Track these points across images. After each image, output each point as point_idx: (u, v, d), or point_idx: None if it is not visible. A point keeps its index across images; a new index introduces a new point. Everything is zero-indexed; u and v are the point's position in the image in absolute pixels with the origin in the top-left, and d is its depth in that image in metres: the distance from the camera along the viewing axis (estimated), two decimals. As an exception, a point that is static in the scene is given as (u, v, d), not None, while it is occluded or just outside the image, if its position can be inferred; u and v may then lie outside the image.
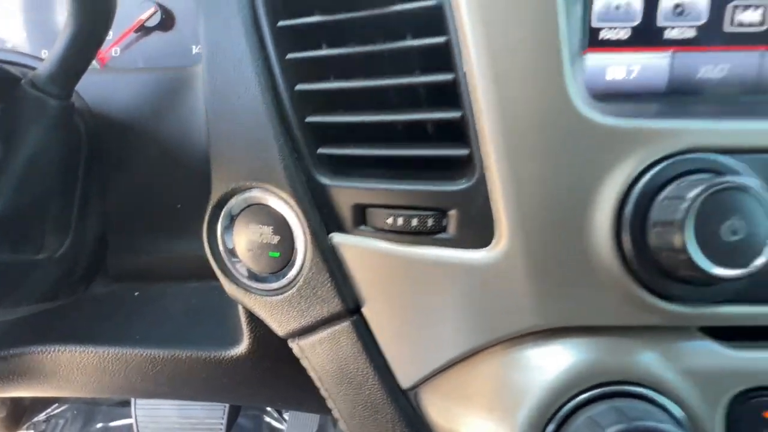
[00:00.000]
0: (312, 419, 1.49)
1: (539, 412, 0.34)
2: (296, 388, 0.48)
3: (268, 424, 1.53)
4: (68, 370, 0.49)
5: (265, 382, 0.51)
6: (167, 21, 0.52)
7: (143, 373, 0.50)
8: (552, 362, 0.34)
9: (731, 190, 0.29)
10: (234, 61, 0.38)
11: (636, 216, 0.31)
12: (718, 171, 0.31)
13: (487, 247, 0.34)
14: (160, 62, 0.53)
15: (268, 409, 1.63)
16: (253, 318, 0.45)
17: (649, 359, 0.34)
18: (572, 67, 0.31)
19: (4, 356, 0.49)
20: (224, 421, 1.26)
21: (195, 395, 0.55)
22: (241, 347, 0.48)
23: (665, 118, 0.32)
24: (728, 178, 0.29)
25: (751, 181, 0.29)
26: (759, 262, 0.29)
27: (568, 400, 0.34)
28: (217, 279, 0.43)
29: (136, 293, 0.51)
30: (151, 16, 0.52)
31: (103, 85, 0.47)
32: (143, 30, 0.54)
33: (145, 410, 1.22)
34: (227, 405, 1.24)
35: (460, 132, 0.33)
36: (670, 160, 0.31)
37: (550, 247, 0.33)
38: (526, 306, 0.34)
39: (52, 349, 0.49)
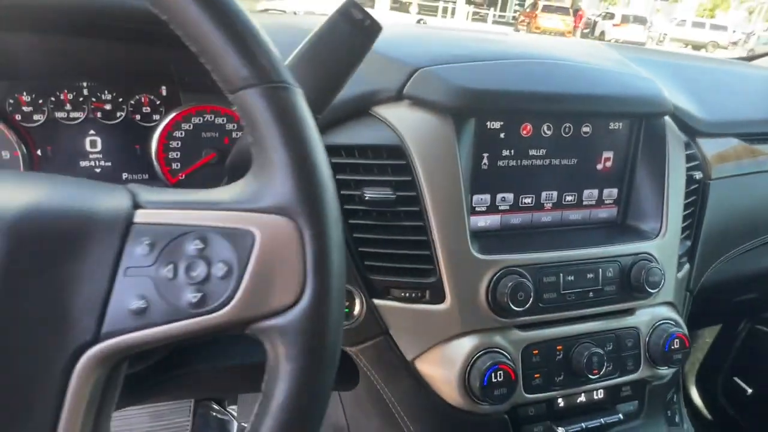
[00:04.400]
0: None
1: (465, 362, 0.74)
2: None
3: (215, 417, 1.72)
4: None
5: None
6: (221, 160, 0.79)
7: None
8: (468, 342, 0.76)
9: None
10: None
11: (494, 291, 0.74)
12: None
13: (443, 304, 0.74)
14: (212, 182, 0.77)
15: (214, 405, 1.77)
16: None
17: (498, 338, 0.77)
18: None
19: None
20: (191, 418, 1.42)
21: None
22: None
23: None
24: None
25: None
26: None
27: (475, 356, 0.75)
28: None
29: None
30: (211, 157, 0.80)
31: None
32: (206, 166, 0.82)
33: (119, 420, 1.34)
34: (192, 404, 1.41)
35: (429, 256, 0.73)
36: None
37: (463, 304, 0.74)
38: (459, 324, 0.75)
39: None
